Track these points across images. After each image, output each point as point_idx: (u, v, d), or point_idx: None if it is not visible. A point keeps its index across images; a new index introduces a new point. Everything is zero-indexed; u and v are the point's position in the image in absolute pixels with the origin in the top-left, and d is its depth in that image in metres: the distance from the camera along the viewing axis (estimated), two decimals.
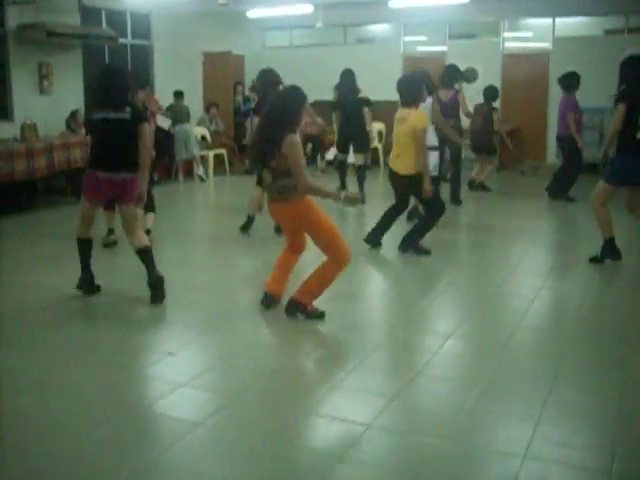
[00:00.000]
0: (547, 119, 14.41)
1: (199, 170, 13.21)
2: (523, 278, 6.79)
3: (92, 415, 3.85)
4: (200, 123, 14.27)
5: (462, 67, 14.74)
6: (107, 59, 13.11)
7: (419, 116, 7.04)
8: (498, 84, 14.78)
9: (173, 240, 8.37)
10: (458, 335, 5.13)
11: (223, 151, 14.04)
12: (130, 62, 13.67)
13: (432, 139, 7.84)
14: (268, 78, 8.19)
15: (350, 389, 4.18)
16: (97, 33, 12.37)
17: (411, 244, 7.43)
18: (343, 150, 10.83)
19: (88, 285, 5.94)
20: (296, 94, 5.20)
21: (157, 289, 5.70)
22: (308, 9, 13.97)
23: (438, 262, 7.30)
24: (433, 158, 7.76)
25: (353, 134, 10.42)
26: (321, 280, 5.28)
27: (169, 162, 13.10)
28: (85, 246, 5.91)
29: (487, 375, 4.35)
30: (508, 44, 15.08)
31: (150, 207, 7.73)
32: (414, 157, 7.05)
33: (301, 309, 5.33)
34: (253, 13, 14.72)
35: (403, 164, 7.16)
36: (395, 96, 7.43)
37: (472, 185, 11.69)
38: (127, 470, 3.27)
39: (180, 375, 4.38)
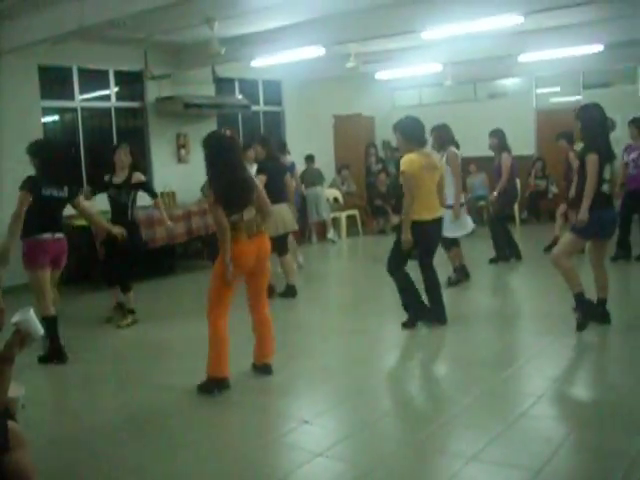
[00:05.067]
0: None
1: (330, 233, 13.36)
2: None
3: None
4: (332, 185, 14.46)
5: None
6: (241, 126, 13.51)
7: (403, 160, 6.64)
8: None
9: (303, 303, 8.43)
10: (603, 403, 4.83)
11: (355, 212, 14.11)
12: (262, 127, 14.04)
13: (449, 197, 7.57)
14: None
15: (490, 462, 3.97)
16: (231, 102, 12.81)
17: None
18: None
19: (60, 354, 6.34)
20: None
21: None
22: (437, 68, 13.96)
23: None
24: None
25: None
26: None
27: (302, 224, 13.27)
28: (55, 323, 6.32)
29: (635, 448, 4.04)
30: None
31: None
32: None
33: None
34: (382, 74, 14.82)
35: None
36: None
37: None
38: None
39: (315, 444, 4.31)
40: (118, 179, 7.63)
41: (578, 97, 15.04)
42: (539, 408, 4.73)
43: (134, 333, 7.33)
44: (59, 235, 6.38)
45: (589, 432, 4.34)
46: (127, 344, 7.03)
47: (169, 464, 4.19)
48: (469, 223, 8.55)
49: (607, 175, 6.21)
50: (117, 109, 11.59)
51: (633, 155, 9.83)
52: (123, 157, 7.66)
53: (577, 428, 4.34)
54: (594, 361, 5.85)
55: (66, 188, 6.43)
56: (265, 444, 4.41)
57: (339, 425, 4.79)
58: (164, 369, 6.12)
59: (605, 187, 6.19)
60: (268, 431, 4.68)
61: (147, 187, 8.01)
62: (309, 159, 13.60)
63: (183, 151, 12.20)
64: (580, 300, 6.31)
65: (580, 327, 6.28)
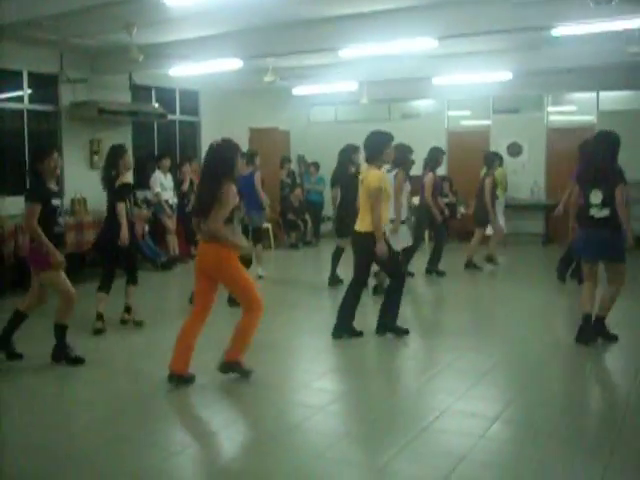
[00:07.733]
0: None
1: None
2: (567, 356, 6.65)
3: None
4: None
5: (506, 142, 14.94)
6: (156, 135, 13.43)
7: (374, 175, 6.87)
8: (543, 158, 14.84)
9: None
10: (504, 419, 5.01)
11: (268, 225, 14.15)
12: (178, 137, 13.98)
13: (403, 212, 8.24)
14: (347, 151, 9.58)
15: (392, 475, 4.09)
16: (147, 110, 12.71)
17: (388, 326, 7.16)
18: (338, 233, 9.75)
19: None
20: (228, 145, 5.67)
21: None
22: (353, 86, 14.17)
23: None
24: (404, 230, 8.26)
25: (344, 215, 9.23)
26: (244, 335, 5.71)
27: None
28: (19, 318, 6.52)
29: (533, 463, 4.22)
30: (552, 118, 15.13)
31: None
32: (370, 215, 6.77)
33: (235, 368, 5.75)
34: (299, 90, 14.98)
35: (363, 223, 6.88)
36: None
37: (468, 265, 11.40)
38: None
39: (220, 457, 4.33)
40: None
41: (487, 121, 15.55)
42: (441, 423, 4.87)
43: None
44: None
45: (490, 447, 4.49)
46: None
47: None
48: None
49: (595, 200, 6.69)
50: (30, 111, 11.36)
51: None
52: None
53: (478, 443, 4.48)
54: (496, 377, 6.04)
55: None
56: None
57: (248, 438, 4.85)
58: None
59: (593, 210, 6.72)
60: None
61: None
62: None
63: (96, 157, 11.99)
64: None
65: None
